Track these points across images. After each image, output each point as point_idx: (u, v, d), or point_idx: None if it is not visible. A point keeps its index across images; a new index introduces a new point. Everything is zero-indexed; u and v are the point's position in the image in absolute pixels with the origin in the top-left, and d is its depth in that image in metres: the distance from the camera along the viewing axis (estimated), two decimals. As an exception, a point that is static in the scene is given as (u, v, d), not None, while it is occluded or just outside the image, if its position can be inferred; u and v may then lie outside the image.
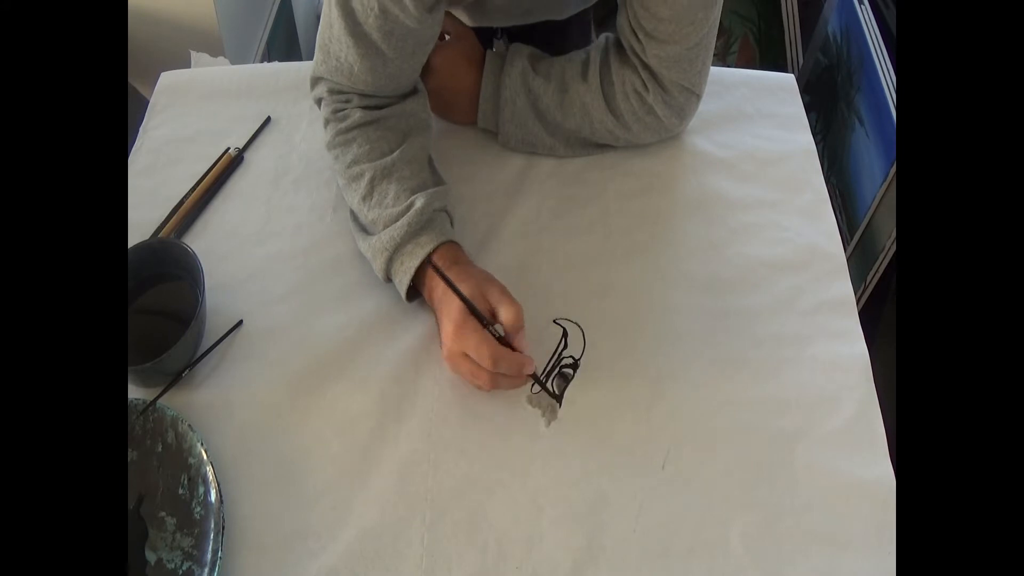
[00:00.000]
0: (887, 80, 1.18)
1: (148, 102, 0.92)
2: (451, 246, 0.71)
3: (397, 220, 0.70)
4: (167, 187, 0.83)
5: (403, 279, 0.70)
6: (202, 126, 0.89)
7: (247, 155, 0.87)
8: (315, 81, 0.80)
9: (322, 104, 0.79)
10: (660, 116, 0.81)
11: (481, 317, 0.66)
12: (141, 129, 0.90)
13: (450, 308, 0.66)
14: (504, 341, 0.66)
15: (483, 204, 0.82)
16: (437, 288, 0.69)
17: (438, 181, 0.76)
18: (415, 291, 0.72)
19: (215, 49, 1.31)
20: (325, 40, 0.74)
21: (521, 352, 0.66)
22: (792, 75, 0.96)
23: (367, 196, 0.73)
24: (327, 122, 0.78)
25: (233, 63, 1.25)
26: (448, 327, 0.66)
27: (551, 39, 0.91)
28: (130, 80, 1.38)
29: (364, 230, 0.74)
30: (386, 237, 0.70)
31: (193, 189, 0.83)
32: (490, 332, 0.65)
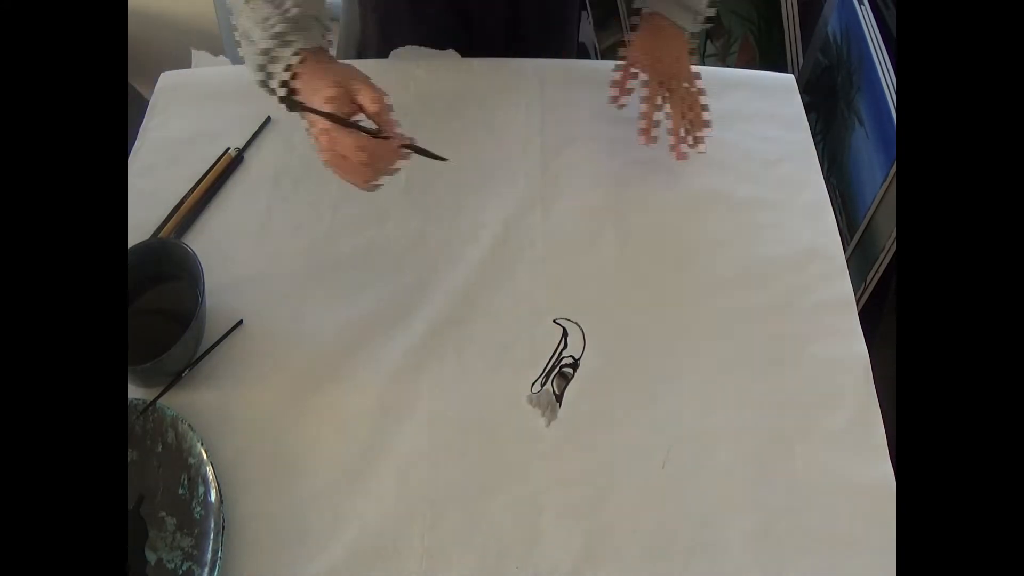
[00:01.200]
0: (887, 80, 1.18)
1: (148, 102, 0.92)
2: (314, 53, 0.68)
3: (263, 23, 0.69)
4: (167, 187, 0.83)
5: (280, 93, 0.69)
6: (202, 126, 0.89)
7: (247, 155, 0.87)
8: None
9: None
10: None
11: (345, 123, 0.66)
12: (141, 129, 0.89)
13: (323, 108, 0.66)
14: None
15: (482, 202, 0.82)
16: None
17: None
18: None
19: (216, 49, 1.31)
20: None
21: (393, 136, 0.66)
22: (792, 75, 0.96)
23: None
24: None
25: (233, 63, 1.24)
26: (320, 137, 0.66)
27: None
28: (130, 80, 1.38)
29: (244, 34, 0.73)
30: (254, 48, 0.70)
31: (193, 189, 0.83)
32: (358, 130, 0.65)
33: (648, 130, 0.82)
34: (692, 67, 0.83)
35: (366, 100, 0.66)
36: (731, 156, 0.87)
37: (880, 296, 1.19)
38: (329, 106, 0.66)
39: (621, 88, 0.86)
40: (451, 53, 0.95)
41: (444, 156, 0.69)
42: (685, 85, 0.82)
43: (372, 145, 0.65)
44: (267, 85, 0.71)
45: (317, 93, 0.67)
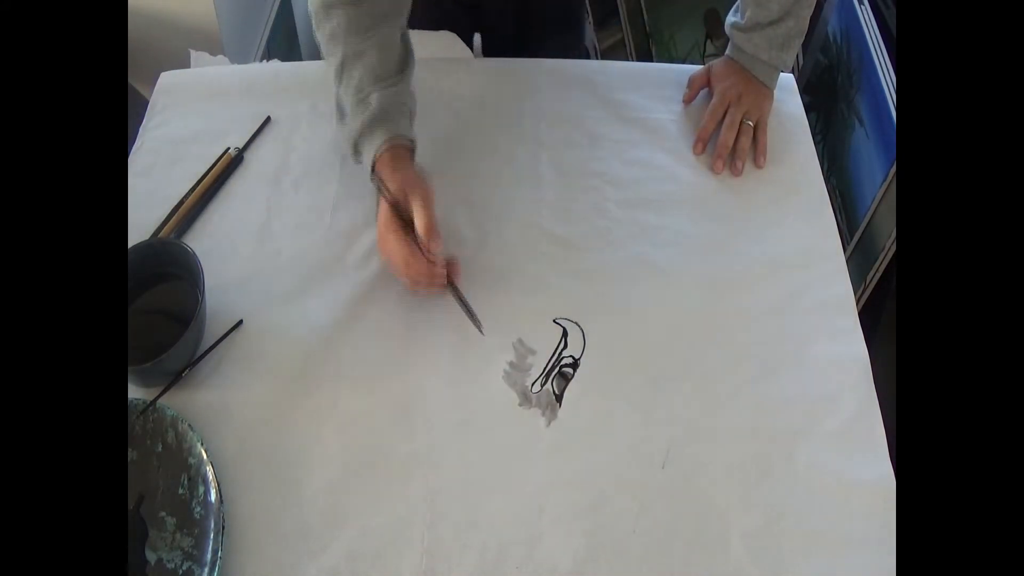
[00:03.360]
0: (887, 80, 1.18)
1: (148, 102, 0.92)
2: (399, 146, 0.74)
3: (356, 109, 0.74)
4: (167, 187, 0.83)
5: (368, 170, 0.75)
6: (202, 126, 0.89)
7: (247, 155, 0.87)
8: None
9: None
10: None
11: (404, 220, 0.71)
12: (141, 129, 0.90)
13: (383, 208, 0.73)
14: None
15: (483, 202, 0.82)
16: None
17: (403, 67, 0.77)
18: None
19: (215, 49, 1.31)
20: None
21: (435, 260, 0.70)
22: (792, 75, 0.96)
23: (338, 75, 0.76)
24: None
25: (233, 63, 1.24)
26: (379, 226, 0.73)
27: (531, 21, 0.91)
28: (130, 80, 1.38)
29: (340, 110, 0.77)
30: (347, 129, 0.75)
31: (193, 189, 0.83)
32: (409, 238, 0.70)
33: (701, 144, 0.88)
34: (765, 112, 0.88)
35: (417, 219, 0.69)
36: (731, 156, 0.87)
37: (880, 296, 1.19)
38: (383, 212, 0.72)
39: (691, 97, 0.92)
40: (447, 34, 0.96)
41: (479, 322, 0.72)
42: (749, 122, 0.87)
43: (413, 260, 0.69)
44: (357, 161, 0.77)
45: (386, 197, 0.72)
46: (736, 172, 0.86)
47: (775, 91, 0.90)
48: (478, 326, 0.72)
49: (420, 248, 0.69)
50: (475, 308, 0.72)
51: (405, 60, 0.78)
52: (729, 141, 0.86)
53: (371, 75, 0.74)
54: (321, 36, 0.76)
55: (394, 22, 0.76)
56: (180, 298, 0.71)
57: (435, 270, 0.70)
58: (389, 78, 0.74)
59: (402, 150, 0.74)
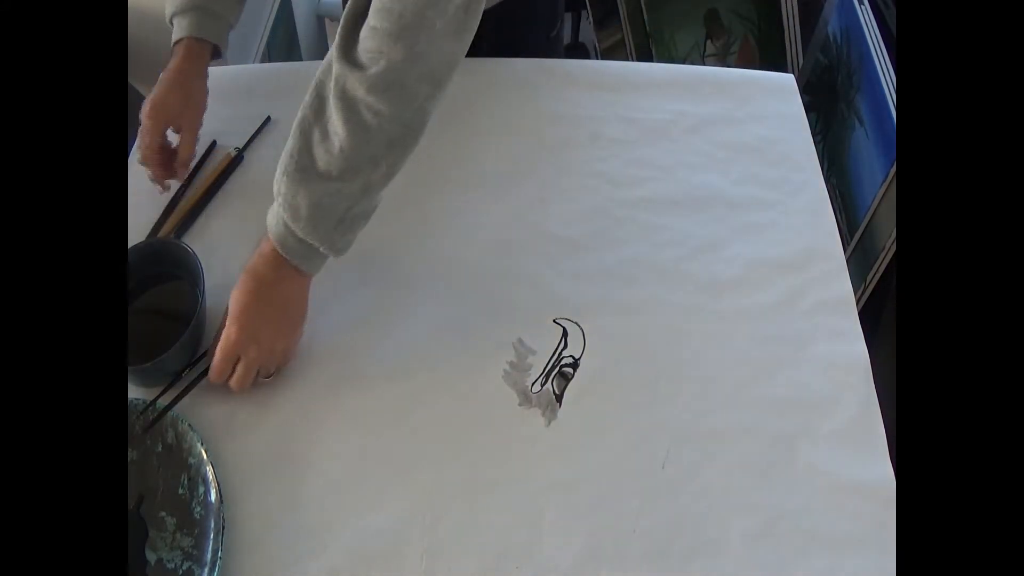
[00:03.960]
0: (887, 80, 1.18)
1: (148, 102, 0.92)
2: (191, 44, 0.79)
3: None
4: (167, 187, 0.83)
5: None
6: (202, 126, 0.89)
7: (247, 155, 0.87)
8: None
9: None
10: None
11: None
12: (141, 129, 0.89)
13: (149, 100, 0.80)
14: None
15: (482, 202, 0.82)
16: None
17: None
18: None
19: (215, 49, 1.30)
20: None
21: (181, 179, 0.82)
22: (792, 75, 0.96)
23: None
24: None
25: (233, 63, 1.24)
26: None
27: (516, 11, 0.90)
28: (130, 80, 1.37)
29: None
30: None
31: (189, 188, 0.83)
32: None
33: None
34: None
35: (185, 142, 0.79)
36: (731, 156, 0.87)
37: (880, 296, 1.19)
38: (154, 108, 0.78)
39: None
40: None
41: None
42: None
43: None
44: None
45: (161, 85, 0.78)
46: None
47: (775, 91, 0.90)
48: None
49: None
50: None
51: None
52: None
53: None
54: None
55: None
56: (180, 298, 0.71)
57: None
58: None
59: (197, 48, 0.79)
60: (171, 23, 0.81)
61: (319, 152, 0.62)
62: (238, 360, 0.65)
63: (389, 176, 0.65)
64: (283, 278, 0.66)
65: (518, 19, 0.85)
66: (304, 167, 0.62)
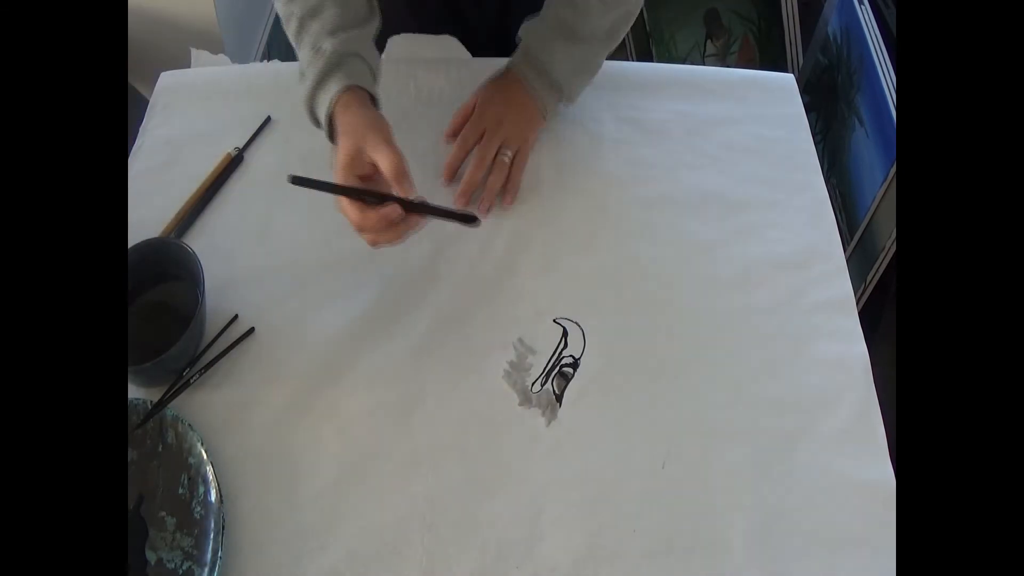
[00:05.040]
0: (887, 80, 1.18)
1: (148, 102, 0.92)
2: (351, 93, 0.69)
3: (311, 64, 0.70)
4: (167, 187, 0.83)
5: (325, 129, 0.71)
6: (202, 126, 0.89)
7: (247, 155, 0.87)
8: None
9: None
10: None
11: (351, 193, 0.67)
12: (141, 129, 0.90)
13: (339, 160, 0.67)
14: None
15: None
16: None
17: (363, 22, 0.73)
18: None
19: (215, 49, 1.31)
20: None
21: (408, 195, 0.65)
22: (792, 75, 0.96)
23: (297, 36, 0.72)
24: None
25: (233, 63, 1.25)
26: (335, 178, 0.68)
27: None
28: (130, 80, 1.38)
29: (301, 74, 0.73)
30: (302, 88, 0.71)
31: (187, 187, 0.83)
32: (361, 199, 0.66)
33: (449, 172, 0.81)
34: (528, 143, 0.81)
35: (383, 163, 0.66)
36: (731, 156, 0.87)
37: (880, 296, 1.19)
38: (345, 166, 0.67)
39: (454, 130, 0.84)
40: (448, 38, 0.95)
41: (470, 214, 0.70)
42: (505, 156, 0.79)
43: (360, 219, 0.66)
44: (318, 126, 0.73)
45: (341, 147, 0.68)
46: (483, 212, 0.79)
47: (775, 91, 0.89)
48: (469, 221, 0.69)
49: (379, 197, 0.66)
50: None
51: (367, 17, 0.73)
52: (475, 179, 0.78)
53: (327, 28, 0.69)
54: (278, 2, 0.73)
55: None
56: (180, 298, 0.71)
57: (390, 217, 0.65)
58: (348, 29, 0.70)
59: (356, 99, 0.68)
60: (314, 110, 0.72)
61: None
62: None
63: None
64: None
65: (518, 14, 0.85)
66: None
